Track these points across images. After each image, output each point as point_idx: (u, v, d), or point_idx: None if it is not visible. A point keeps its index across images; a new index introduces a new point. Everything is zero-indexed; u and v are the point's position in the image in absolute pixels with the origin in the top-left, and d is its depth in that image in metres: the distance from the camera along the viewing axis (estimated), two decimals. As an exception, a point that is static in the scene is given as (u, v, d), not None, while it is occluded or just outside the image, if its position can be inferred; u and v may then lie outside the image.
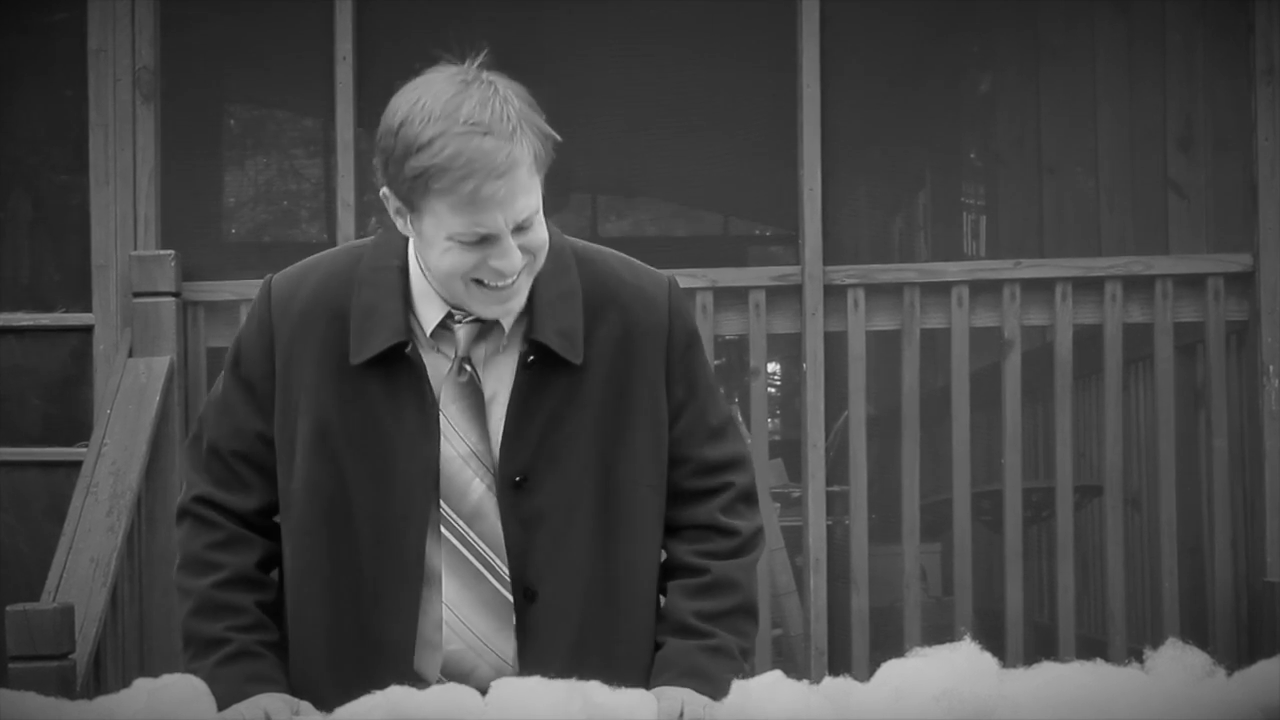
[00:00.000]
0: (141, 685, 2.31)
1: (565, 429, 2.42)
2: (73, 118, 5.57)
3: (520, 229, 2.31)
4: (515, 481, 2.41)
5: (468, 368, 2.43)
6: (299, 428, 2.44)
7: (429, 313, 2.43)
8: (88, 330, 5.33)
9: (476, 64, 2.35)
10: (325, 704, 2.36)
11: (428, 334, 2.42)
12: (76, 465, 4.94)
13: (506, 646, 2.42)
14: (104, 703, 2.28)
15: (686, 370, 2.51)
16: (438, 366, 2.43)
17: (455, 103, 2.28)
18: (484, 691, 2.31)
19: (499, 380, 2.44)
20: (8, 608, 4.08)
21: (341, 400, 2.42)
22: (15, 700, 2.22)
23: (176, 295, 5.16)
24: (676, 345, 2.50)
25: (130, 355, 5.12)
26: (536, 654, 2.41)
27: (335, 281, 2.46)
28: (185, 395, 5.15)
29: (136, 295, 5.17)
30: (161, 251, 5.23)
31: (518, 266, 2.32)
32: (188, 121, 6.24)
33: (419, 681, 2.39)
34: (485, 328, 2.43)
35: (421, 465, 2.40)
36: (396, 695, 2.21)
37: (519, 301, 2.37)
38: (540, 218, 2.35)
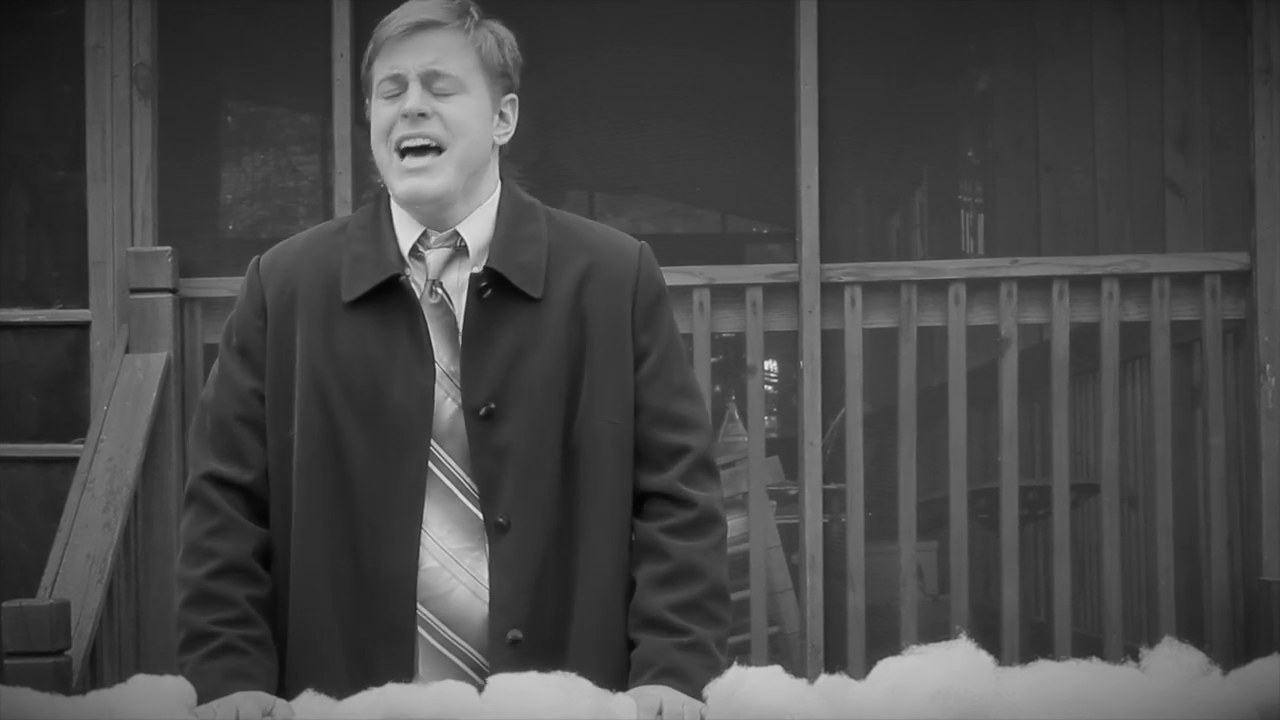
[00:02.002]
0: (140, 681, 2.32)
1: (531, 361, 2.49)
2: (70, 114, 5.56)
3: (435, 88, 2.49)
4: (479, 411, 2.47)
5: (439, 290, 2.51)
6: (294, 373, 2.51)
7: (406, 236, 2.55)
8: (85, 326, 5.33)
9: None
10: (329, 646, 2.44)
11: (407, 255, 2.53)
12: (73, 461, 4.94)
13: (479, 567, 2.47)
14: (98, 697, 2.28)
15: (651, 320, 2.57)
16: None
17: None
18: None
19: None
20: (4, 604, 4.08)
21: (333, 340, 2.50)
22: (11, 696, 2.22)
23: (174, 291, 5.16)
24: (643, 293, 2.57)
25: (127, 351, 5.12)
26: (509, 585, 2.46)
27: (321, 240, 2.60)
28: (182, 391, 5.15)
29: (133, 291, 5.16)
30: (159, 248, 5.22)
31: (418, 108, 2.47)
32: (185, 118, 6.24)
33: (420, 620, 2.45)
34: (454, 255, 2.53)
35: (418, 395, 2.47)
36: (394, 693, 2.22)
37: (435, 181, 2.49)
38: (466, 101, 2.51)
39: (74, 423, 5.43)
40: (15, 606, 4.03)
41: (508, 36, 2.59)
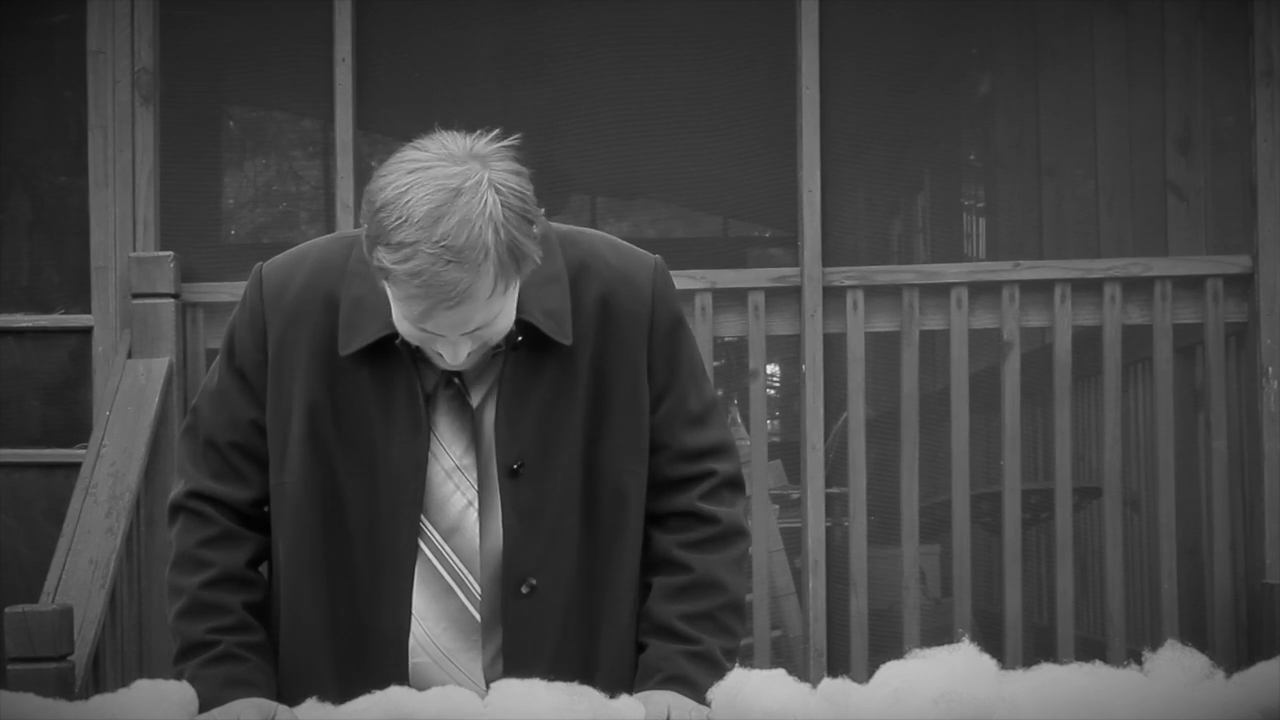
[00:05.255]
0: (143, 686, 2.31)
1: (556, 415, 2.42)
2: (72, 119, 5.57)
3: (473, 331, 2.29)
4: (513, 470, 2.40)
5: (455, 380, 2.42)
6: (292, 419, 2.43)
7: None
8: (87, 332, 5.33)
9: (485, 140, 2.29)
10: (323, 695, 2.36)
11: None
12: (75, 467, 4.94)
13: (473, 667, 2.41)
14: (101, 703, 2.28)
15: (669, 355, 2.49)
16: (424, 358, 2.41)
17: (437, 215, 2.21)
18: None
19: (489, 381, 2.42)
20: (7, 609, 4.08)
21: (333, 391, 2.42)
22: (14, 701, 2.22)
23: (175, 297, 5.16)
24: (659, 330, 2.48)
25: (129, 357, 5.12)
26: (528, 646, 2.40)
27: (327, 271, 2.45)
28: (184, 397, 5.15)
29: (135, 297, 5.17)
30: (160, 253, 5.23)
31: (461, 359, 2.31)
32: (187, 123, 6.24)
33: (409, 673, 2.40)
34: None
35: (412, 461, 2.40)
36: (395, 696, 2.21)
37: (468, 362, 2.34)
38: (505, 311, 2.30)
39: (76, 428, 5.43)
40: (18, 612, 4.03)
41: (523, 215, 2.26)
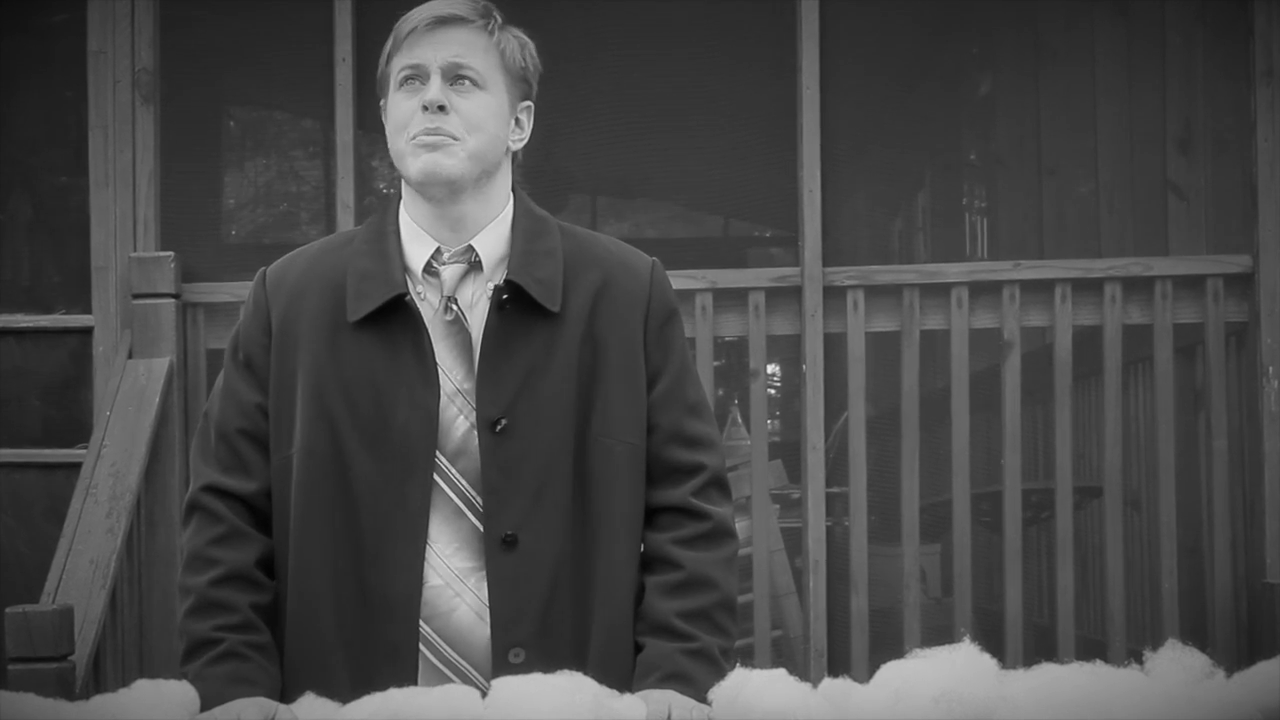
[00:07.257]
0: (143, 686, 2.32)
1: (544, 378, 2.47)
2: (72, 119, 5.56)
3: (455, 83, 2.47)
4: (494, 425, 2.44)
5: (454, 307, 2.48)
6: (297, 392, 2.49)
7: (418, 252, 2.52)
8: (87, 332, 5.33)
9: None
10: (331, 667, 2.42)
11: (418, 272, 2.50)
12: (76, 467, 4.94)
13: (483, 587, 2.45)
14: (102, 702, 2.28)
15: (664, 340, 2.56)
16: (427, 316, 2.49)
17: None
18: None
19: (482, 325, 2.49)
20: (7, 609, 4.08)
21: (338, 360, 2.48)
22: (15, 701, 2.22)
23: (176, 297, 5.16)
24: (655, 314, 2.56)
25: (130, 357, 5.12)
26: (515, 603, 2.44)
27: (329, 256, 2.56)
28: (185, 397, 5.15)
29: (136, 297, 5.17)
30: (161, 253, 5.23)
31: (438, 100, 2.45)
32: (187, 123, 6.24)
33: (421, 638, 2.43)
34: (470, 270, 2.50)
35: (422, 415, 2.45)
36: (397, 698, 2.22)
37: (450, 160, 2.47)
38: (485, 98, 2.49)
39: (77, 428, 5.43)
40: (19, 612, 4.03)
41: (529, 43, 2.58)
